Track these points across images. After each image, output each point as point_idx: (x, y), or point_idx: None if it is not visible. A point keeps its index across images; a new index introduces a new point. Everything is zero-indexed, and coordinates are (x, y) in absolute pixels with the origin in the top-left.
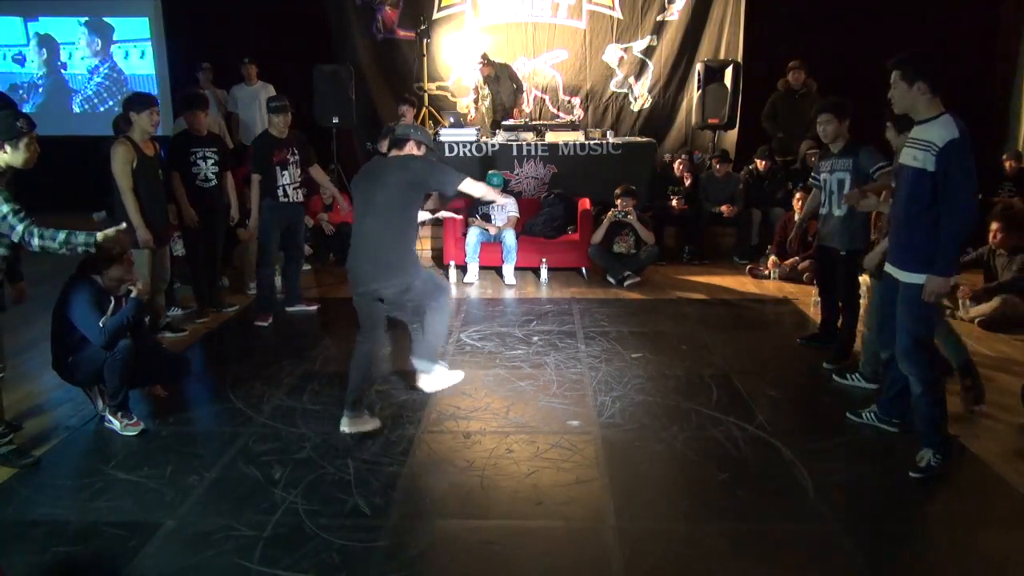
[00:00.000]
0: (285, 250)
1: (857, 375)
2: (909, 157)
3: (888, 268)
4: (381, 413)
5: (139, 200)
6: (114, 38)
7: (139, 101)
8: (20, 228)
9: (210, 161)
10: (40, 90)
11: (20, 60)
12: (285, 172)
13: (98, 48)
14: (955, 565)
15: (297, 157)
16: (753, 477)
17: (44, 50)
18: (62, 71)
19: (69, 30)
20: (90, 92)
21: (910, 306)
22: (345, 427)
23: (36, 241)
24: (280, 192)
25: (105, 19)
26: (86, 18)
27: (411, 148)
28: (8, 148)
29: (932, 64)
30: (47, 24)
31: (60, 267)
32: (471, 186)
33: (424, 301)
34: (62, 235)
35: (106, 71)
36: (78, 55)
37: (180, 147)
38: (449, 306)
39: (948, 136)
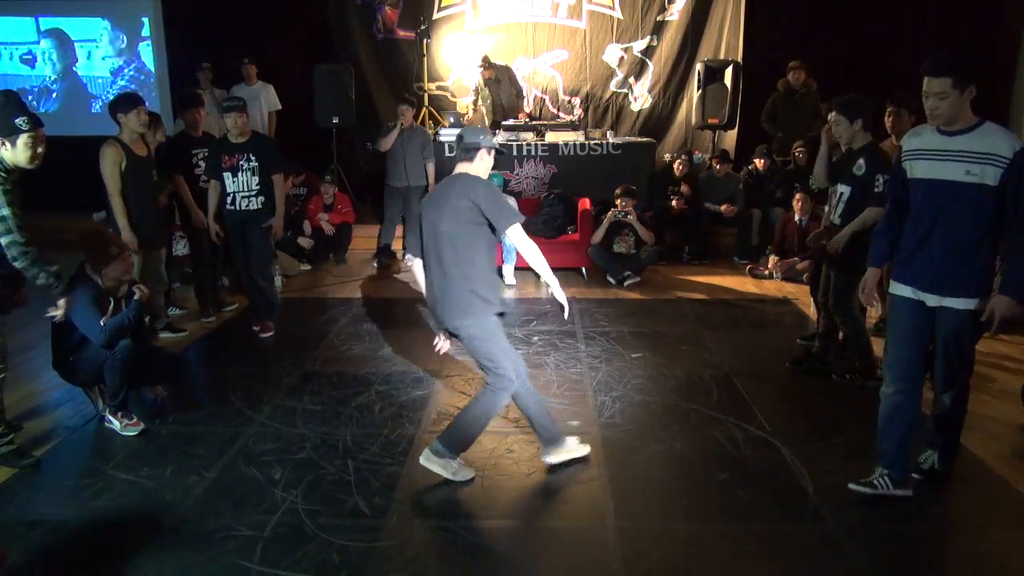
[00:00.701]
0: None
1: (815, 343)
2: (960, 172)
3: (914, 294)
4: (381, 413)
5: (129, 202)
6: (143, 34)
7: (125, 102)
8: (14, 252)
9: None
10: (53, 95)
11: (30, 61)
12: (236, 179)
13: (123, 46)
14: (955, 565)
15: (255, 164)
16: (753, 477)
17: (59, 50)
18: (78, 73)
19: (87, 28)
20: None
21: (964, 333)
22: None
23: (18, 263)
24: (228, 200)
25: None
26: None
27: (482, 158)
28: (8, 145)
29: (974, 66)
30: (59, 22)
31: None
32: (518, 235)
33: (480, 364)
34: (34, 269)
35: (132, 72)
36: (99, 54)
37: (180, 149)
38: (497, 405)
39: (1016, 145)
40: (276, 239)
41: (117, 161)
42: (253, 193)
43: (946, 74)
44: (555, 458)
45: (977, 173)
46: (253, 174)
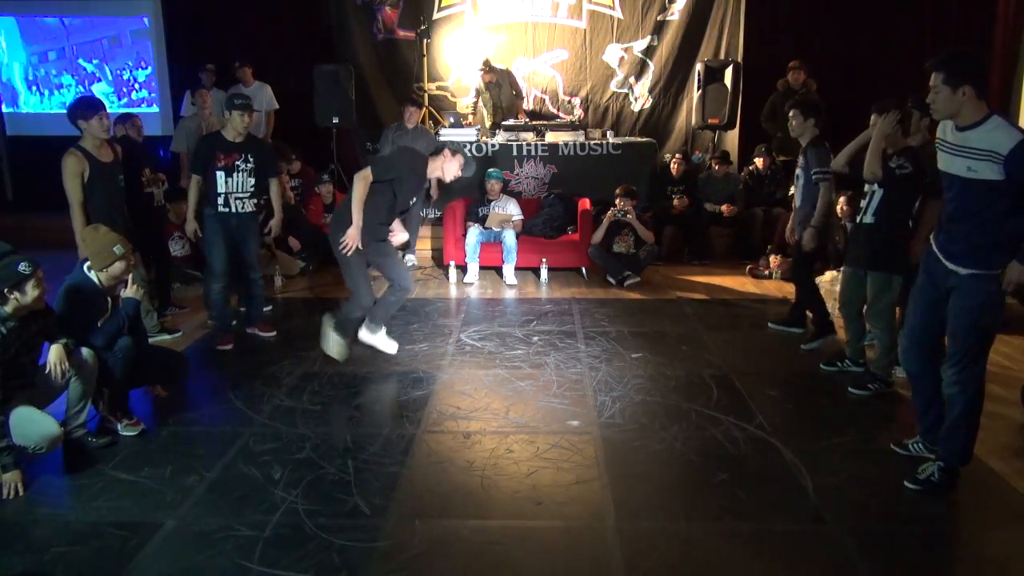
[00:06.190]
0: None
1: (847, 361)
2: (963, 168)
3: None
4: (381, 413)
5: (98, 210)
6: (142, 33)
7: (86, 107)
8: None
9: None
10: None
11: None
12: (230, 179)
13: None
14: (955, 565)
15: (251, 165)
16: (753, 477)
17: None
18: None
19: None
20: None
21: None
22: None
23: None
24: (220, 200)
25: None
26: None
27: (446, 157)
28: (16, 295)
29: (973, 67)
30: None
31: (59, 267)
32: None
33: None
34: None
35: (119, 78)
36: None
37: (208, 153)
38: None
39: (1014, 141)
40: (273, 237)
41: (78, 171)
42: (248, 195)
43: (938, 69)
44: (367, 336)
45: (976, 170)
46: (249, 175)
